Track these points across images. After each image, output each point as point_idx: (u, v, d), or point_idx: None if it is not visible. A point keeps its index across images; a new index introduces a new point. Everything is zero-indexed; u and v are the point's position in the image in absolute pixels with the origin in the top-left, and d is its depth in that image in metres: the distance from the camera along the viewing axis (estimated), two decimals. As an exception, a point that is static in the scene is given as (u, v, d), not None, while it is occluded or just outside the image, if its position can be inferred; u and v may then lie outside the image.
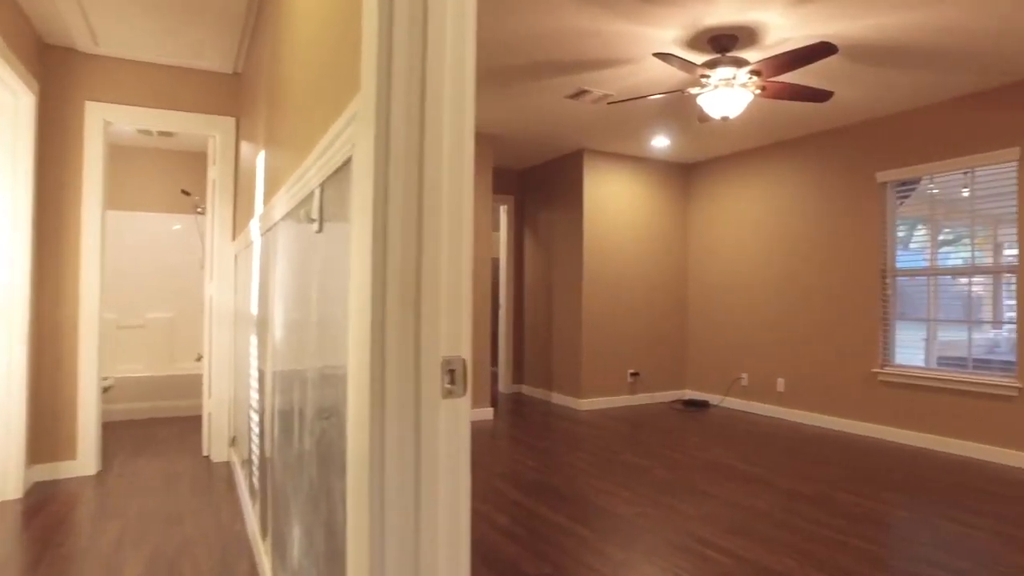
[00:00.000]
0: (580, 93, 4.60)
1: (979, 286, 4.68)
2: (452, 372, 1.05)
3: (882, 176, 5.19)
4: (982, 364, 4.63)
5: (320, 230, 1.57)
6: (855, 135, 5.39)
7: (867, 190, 5.30)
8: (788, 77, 4.16)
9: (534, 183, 7.31)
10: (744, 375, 6.33)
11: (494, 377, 7.96)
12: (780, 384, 5.95)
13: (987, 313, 4.65)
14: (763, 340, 6.15)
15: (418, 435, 1.04)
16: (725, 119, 3.61)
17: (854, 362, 5.34)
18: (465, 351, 1.07)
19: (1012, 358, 4.45)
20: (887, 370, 5.08)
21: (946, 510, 3.41)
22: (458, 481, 1.06)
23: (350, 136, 1.27)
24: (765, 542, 2.95)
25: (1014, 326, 4.40)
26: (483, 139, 5.89)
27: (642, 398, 6.74)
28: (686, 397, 6.98)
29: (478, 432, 5.27)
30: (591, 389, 6.42)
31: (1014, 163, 4.44)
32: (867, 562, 2.73)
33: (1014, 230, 4.43)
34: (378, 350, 1.01)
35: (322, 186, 1.56)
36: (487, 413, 5.86)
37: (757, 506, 3.45)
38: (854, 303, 5.36)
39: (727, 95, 3.48)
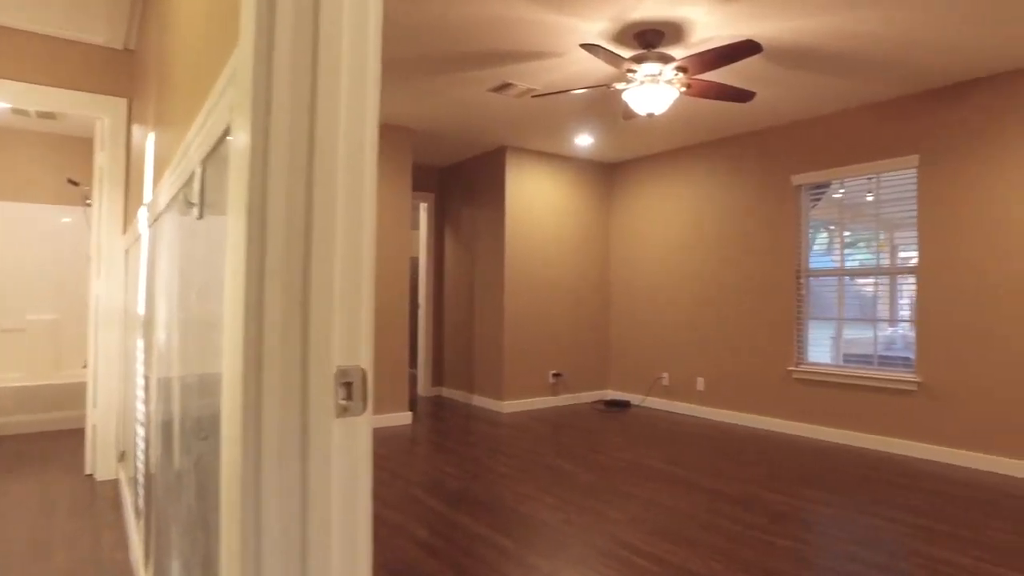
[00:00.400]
0: (504, 86, 4.46)
1: (880, 287, 4.86)
2: (348, 385, 0.87)
3: (797, 179, 5.31)
4: (885, 360, 4.81)
5: (201, 216, 1.35)
6: (773, 138, 5.51)
7: (783, 192, 5.42)
8: (711, 76, 4.17)
9: (455, 181, 7.12)
10: (665, 374, 6.38)
11: (413, 380, 7.72)
12: (700, 383, 6.02)
13: (885, 312, 4.83)
14: (684, 340, 6.21)
15: (305, 460, 0.85)
16: (651, 116, 3.55)
17: (771, 360, 5.45)
18: (365, 360, 0.89)
19: (909, 354, 4.64)
20: (801, 368, 5.21)
21: (863, 504, 3.48)
22: (356, 515, 0.88)
23: (229, 100, 1.05)
24: (691, 545, 2.89)
25: (910, 323, 4.58)
26: (401, 133, 5.65)
27: (564, 399, 6.67)
28: (608, 397, 6.97)
29: (395, 438, 5.03)
30: (513, 391, 6.29)
31: (914, 169, 4.62)
32: (793, 562, 2.71)
33: (913, 233, 4.62)
34: (253, 357, 0.81)
35: (203, 164, 1.33)
36: (405, 417, 5.63)
37: (682, 508, 3.40)
38: (771, 302, 5.47)
39: (653, 91, 3.42)
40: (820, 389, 5.09)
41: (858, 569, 2.64)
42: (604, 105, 4.91)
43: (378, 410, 5.45)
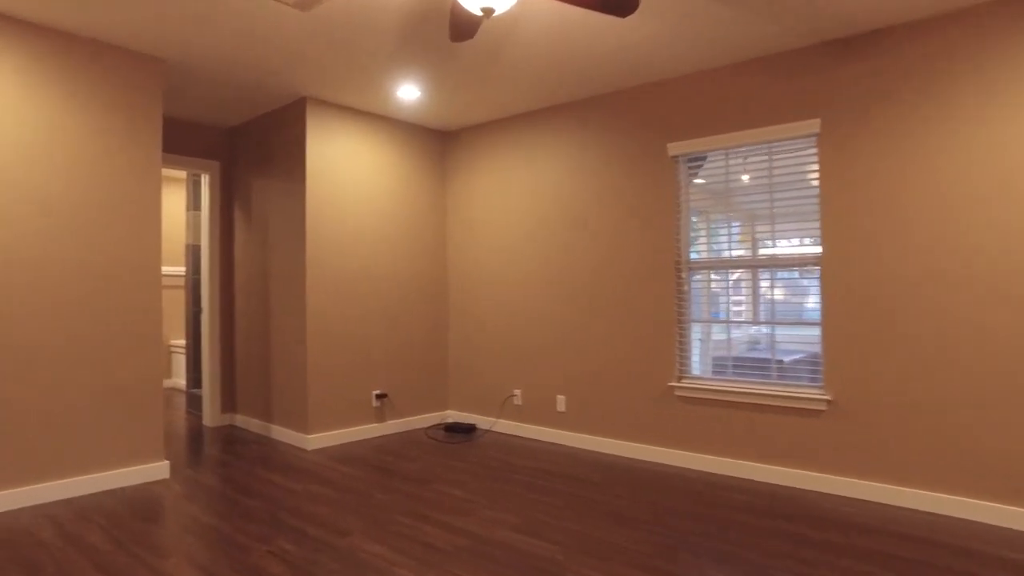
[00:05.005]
0: (276, -14, 2.94)
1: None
2: None
3: (673, 148, 4.28)
4: (780, 372, 3.90)
5: None
6: (646, 98, 4.43)
7: (659, 165, 4.36)
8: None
9: (247, 145, 5.42)
10: (517, 392, 5.16)
11: (196, 403, 5.92)
12: (561, 403, 4.86)
13: (795, 313, 3.94)
14: (540, 349, 5.01)
15: None
16: (488, 14, 2.23)
17: (647, 374, 4.37)
18: None
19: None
20: (684, 383, 4.18)
21: (776, 571, 2.42)
22: None
23: None
24: None
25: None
26: (138, 61, 3.88)
27: (393, 425, 5.25)
28: (449, 420, 5.65)
29: (125, 508, 3.32)
30: (322, 420, 4.77)
31: (814, 137, 3.74)
32: None
33: (817, 221, 3.73)
34: None
35: None
36: (156, 471, 3.91)
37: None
38: (646, 302, 4.40)
39: (493, -28, 2.10)
40: (707, 409, 4.09)
41: None
42: (428, 37, 3.53)
43: (90, 467, 3.70)
